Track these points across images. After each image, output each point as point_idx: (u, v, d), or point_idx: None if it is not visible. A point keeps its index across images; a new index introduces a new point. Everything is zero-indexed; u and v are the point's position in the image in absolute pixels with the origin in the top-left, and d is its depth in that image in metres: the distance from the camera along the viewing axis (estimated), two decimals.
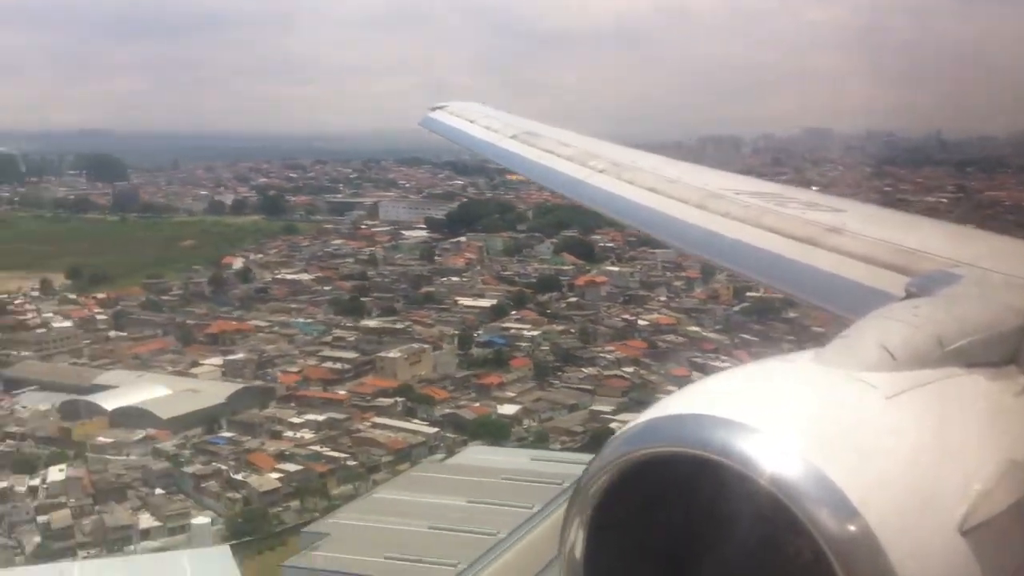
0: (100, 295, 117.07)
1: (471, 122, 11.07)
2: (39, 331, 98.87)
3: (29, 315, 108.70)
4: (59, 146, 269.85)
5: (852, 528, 2.38)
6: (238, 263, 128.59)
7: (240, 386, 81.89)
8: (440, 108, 12.04)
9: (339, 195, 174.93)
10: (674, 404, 2.75)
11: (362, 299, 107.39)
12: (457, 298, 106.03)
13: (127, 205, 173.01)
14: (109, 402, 77.87)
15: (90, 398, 78.88)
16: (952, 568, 2.49)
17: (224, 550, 47.31)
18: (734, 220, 6.28)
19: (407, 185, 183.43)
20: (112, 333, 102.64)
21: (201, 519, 58.18)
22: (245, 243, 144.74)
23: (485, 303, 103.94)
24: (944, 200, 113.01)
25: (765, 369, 3.02)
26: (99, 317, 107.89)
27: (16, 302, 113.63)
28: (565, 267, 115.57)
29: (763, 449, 2.49)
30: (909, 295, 3.90)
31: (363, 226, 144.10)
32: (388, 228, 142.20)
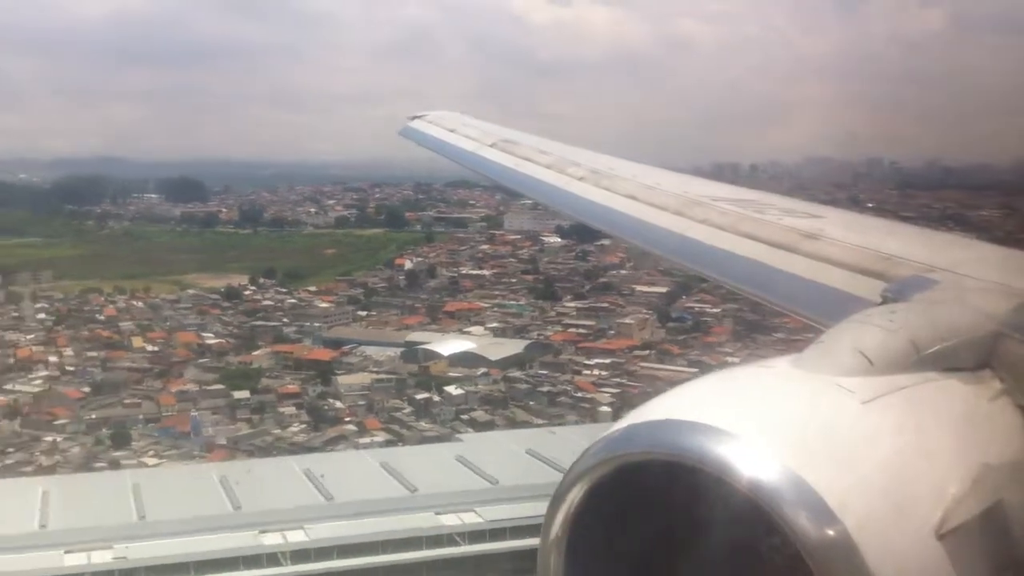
0: (311, 288, 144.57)
1: (451, 131, 11.57)
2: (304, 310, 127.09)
3: (265, 301, 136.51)
4: (81, 171, 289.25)
5: (830, 532, 2.47)
6: (408, 264, 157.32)
7: (528, 342, 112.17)
8: (419, 117, 12.58)
9: (430, 212, 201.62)
10: (652, 410, 2.85)
11: (555, 286, 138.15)
12: (634, 286, 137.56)
13: (255, 220, 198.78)
14: (442, 349, 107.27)
15: (425, 347, 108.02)
16: (929, 572, 2.57)
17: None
18: (712, 227, 6.51)
19: (475, 204, 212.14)
20: (362, 312, 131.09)
21: (605, 408, 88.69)
22: (385, 251, 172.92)
23: (660, 289, 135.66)
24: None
25: (743, 374, 3.16)
26: (323, 304, 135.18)
27: (245, 292, 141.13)
28: None
29: (741, 454, 2.59)
30: (885, 300, 4.08)
31: (497, 234, 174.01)
32: (520, 235, 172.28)
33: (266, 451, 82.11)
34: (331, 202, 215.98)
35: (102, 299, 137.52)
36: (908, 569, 2.54)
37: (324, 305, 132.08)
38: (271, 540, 60.38)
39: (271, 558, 58.78)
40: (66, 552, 56.67)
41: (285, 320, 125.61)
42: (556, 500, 2.86)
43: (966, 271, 4.51)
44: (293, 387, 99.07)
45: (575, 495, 2.81)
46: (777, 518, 2.49)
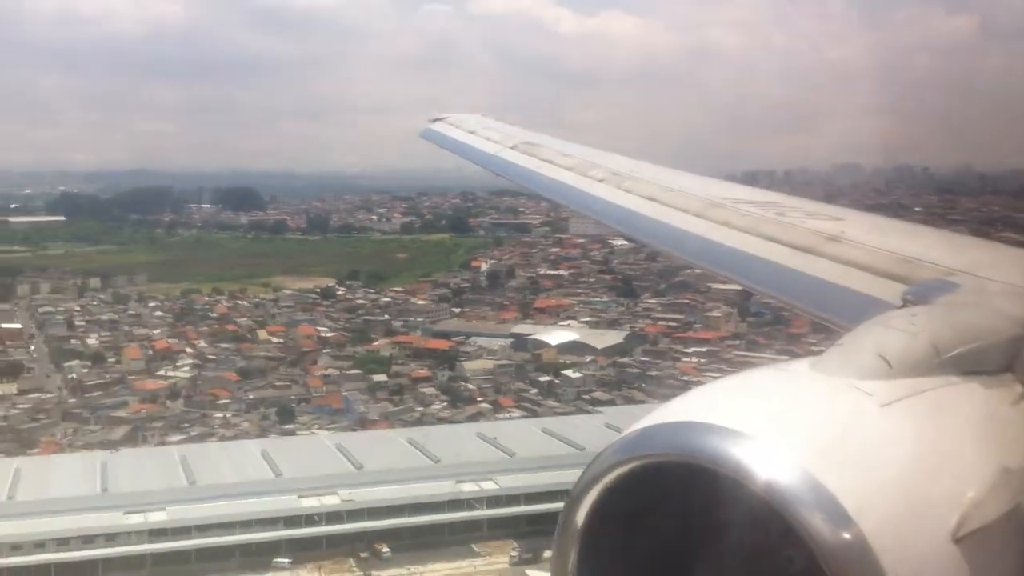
0: (397, 288, 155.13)
1: (471, 133, 11.79)
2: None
3: (359, 300, 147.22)
4: (117, 184, 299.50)
5: (846, 536, 2.48)
6: (483, 266, 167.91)
7: (626, 333, 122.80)
8: (440, 120, 12.84)
9: (486, 219, 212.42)
10: (669, 412, 2.88)
11: (632, 284, 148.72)
12: (710, 284, 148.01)
13: (322, 227, 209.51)
14: (549, 339, 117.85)
15: (533, 337, 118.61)
16: None
17: None
18: (733, 229, 6.57)
19: (525, 211, 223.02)
20: (456, 309, 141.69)
21: None
22: (456, 255, 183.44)
23: (735, 286, 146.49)
24: None
25: (761, 377, 3.16)
26: (420, 302, 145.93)
27: (338, 292, 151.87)
28: None
29: (758, 457, 2.60)
30: (906, 303, 4.09)
31: (564, 237, 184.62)
32: (587, 238, 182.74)
33: (421, 424, 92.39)
34: (382, 210, 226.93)
35: (205, 299, 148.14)
36: (925, 573, 2.56)
37: (421, 303, 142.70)
38: (467, 488, 71.43)
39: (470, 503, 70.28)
40: (299, 497, 67.99)
41: (387, 316, 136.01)
42: (573, 499, 2.89)
43: (987, 274, 4.54)
44: (423, 372, 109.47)
45: (592, 495, 2.85)
46: (793, 521, 2.52)
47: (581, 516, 2.85)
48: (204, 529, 66.67)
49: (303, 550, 67.56)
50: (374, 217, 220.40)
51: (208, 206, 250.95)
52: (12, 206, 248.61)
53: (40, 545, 63.81)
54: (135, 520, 66.21)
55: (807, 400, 2.92)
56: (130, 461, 75.52)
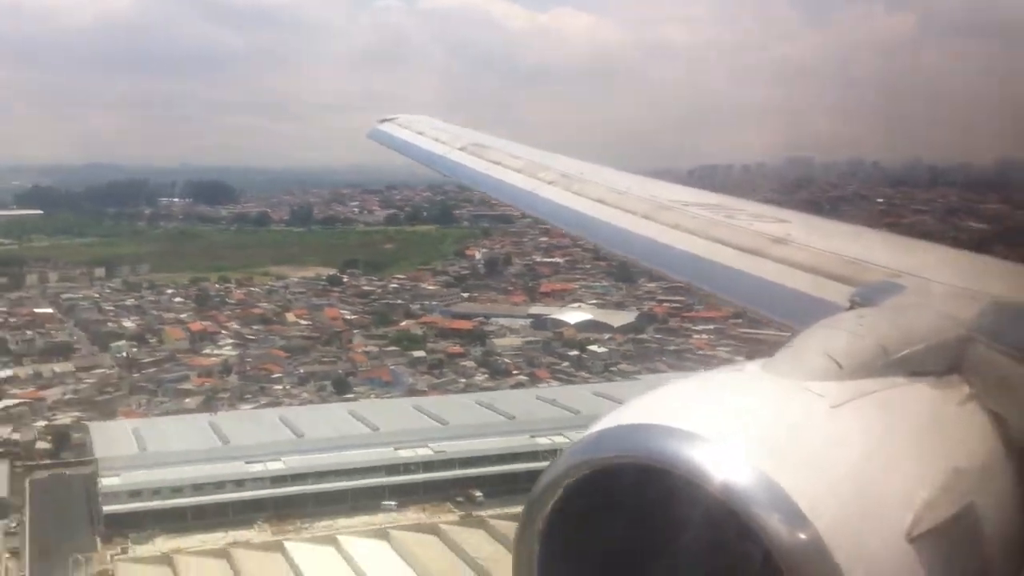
0: (399, 276, 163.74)
1: (420, 134, 11.92)
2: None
3: (366, 287, 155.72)
4: (71, 178, 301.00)
5: (801, 535, 2.55)
6: (477, 254, 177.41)
7: (636, 312, 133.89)
8: (389, 120, 12.95)
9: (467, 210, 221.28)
10: (624, 415, 2.98)
11: (629, 268, 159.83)
12: None
13: (306, 219, 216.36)
14: (566, 318, 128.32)
15: (552, 317, 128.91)
16: (900, 575, 2.67)
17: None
18: (683, 231, 6.73)
19: (498, 204, 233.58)
20: (464, 293, 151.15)
21: (729, 358, 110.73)
22: (444, 245, 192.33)
23: None
24: None
25: (714, 379, 3.29)
26: (430, 287, 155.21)
27: (344, 280, 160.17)
28: None
29: (713, 458, 2.68)
30: (854, 305, 4.25)
31: (551, 227, 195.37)
32: None
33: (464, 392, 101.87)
34: (354, 204, 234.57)
35: (216, 286, 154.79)
36: (879, 572, 2.63)
37: (430, 288, 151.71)
38: (542, 441, 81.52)
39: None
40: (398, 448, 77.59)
41: (401, 300, 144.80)
42: (533, 501, 2.98)
43: (933, 275, 4.64)
44: (456, 348, 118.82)
45: (552, 497, 2.93)
46: (749, 521, 2.57)
47: (542, 517, 2.96)
48: (319, 476, 75.43)
49: (405, 495, 76.60)
50: (355, 210, 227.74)
51: (179, 200, 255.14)
52: None
53: (177, 490, 71.91)
54: (256, 468, 74.66)
55: (760, 401, 3.03)
56: (233, 422, 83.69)
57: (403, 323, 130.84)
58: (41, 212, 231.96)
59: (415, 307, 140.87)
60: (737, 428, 2.82)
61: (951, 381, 3.49)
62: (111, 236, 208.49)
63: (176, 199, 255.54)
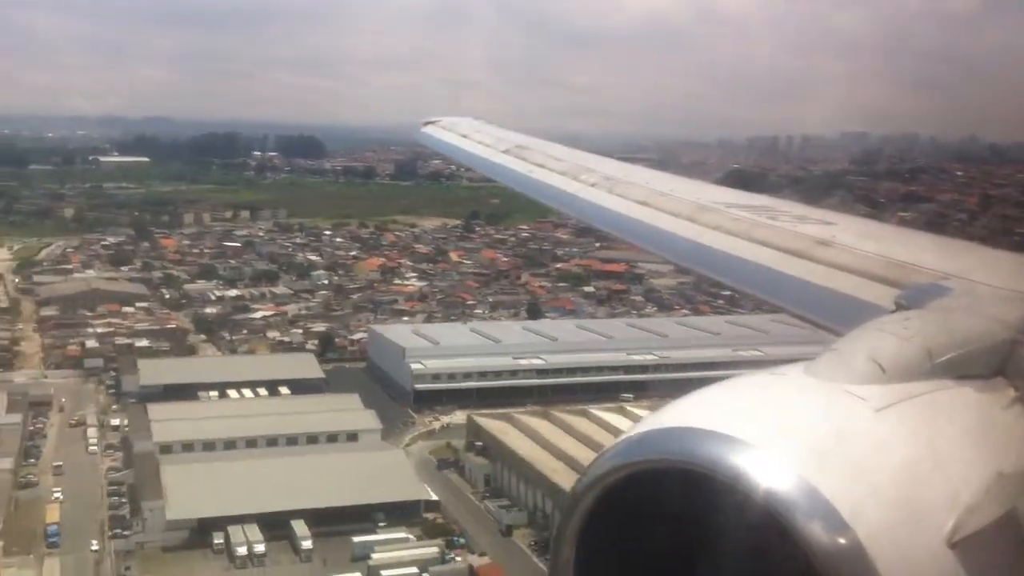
0: (522, 226, 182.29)
1: (464, 136, 12.43)
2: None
3: (498, 235, 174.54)
4: (129, 130, 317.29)
5: (842, 541, 2.60)
6: None
7: None
8: (433, 123, 13.50)
9: None
10: (665, 417, 3.00)
11: None
12: None
13: (412, 174, 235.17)
14: None
15: None
16: None
17: None
18: (725, 233, 6.89)
19: None
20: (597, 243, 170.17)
21: None
22: None
23: None
24: None
25: (756, 382, 3.28)
26: (563, 236, 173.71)
27: (476, 228, 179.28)
28: None
29: (754, 462, 2.72)
30: (899, 307, 4.29)
31: None
32: None
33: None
34: (436, 160, 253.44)
35: (361, 231, 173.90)
36: None
37: (564, 236, 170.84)
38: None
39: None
40: (629, 354, 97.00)
41: (545, 246, 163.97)
42: (572, 500, 3.03)
43: (979, 278, 4.67)
44: (619, 286, 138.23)
45: (591, 497, 2.98)
46: (789, 526, 2.62)
47: (579, 517, 3.01)
48: (572, 371, 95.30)
49: (637, 391, 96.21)
50: (452, 167, 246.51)
51: (272, 153, 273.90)
52: (70, 147, 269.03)
53: (468, 375, 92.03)
54: (524, 362, 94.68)
55: (802, 405, 3.05)
56: (491, 328, 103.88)
57: (559, 264, 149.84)
58: (148, 160, 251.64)
59: (560, 252, 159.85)
60: (779, 432, 2.86)
61: (996, 384, 3.54)
62: (225, 184, 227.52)
63: (270, 153, 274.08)
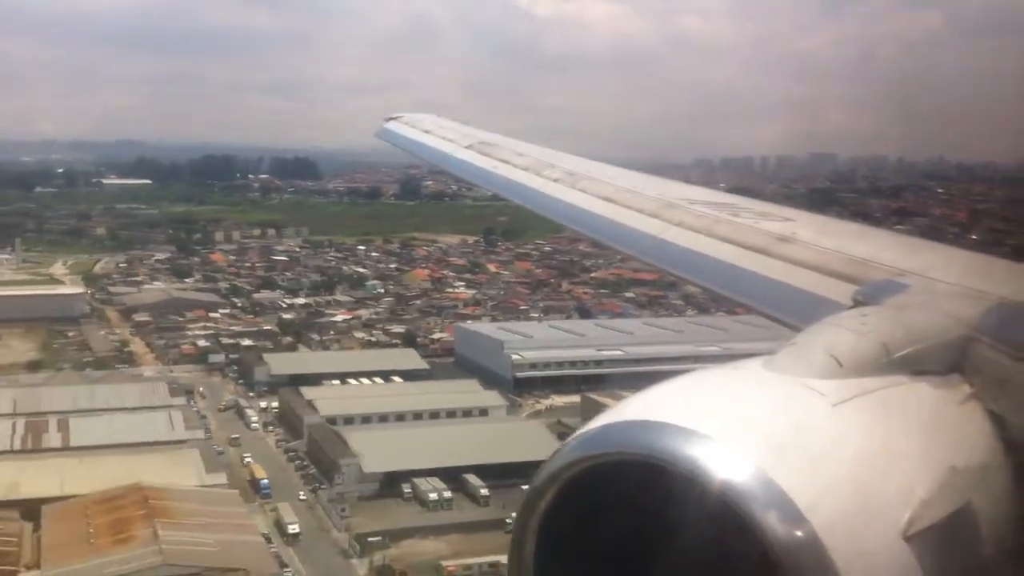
0: (539, 240, 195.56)
1: (426, 132, 12.48)
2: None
3: (519, 249, 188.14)
4: (102, 154, 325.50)
5: (798, 532, 2.68)
6: None
7: None
8: (395, 119, 13.53)
9: None
10: (625, 410, 3.09)
11: None
12: None
13: (415, 193, 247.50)
14: None
15: None
16: (896, 572, 2.80)
17: None
18: (688, 229, 7.03)
19: None
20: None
21: None
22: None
23: None
24: None
25: (715, 375, 3.40)
26: (586, 248, 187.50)
27: (498, 244, 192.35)
28: None
29: (712, 455, 2.80)
30: (856, 303, 4.35)
31: None
32: None
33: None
34: (429, 182, 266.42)
35: (387, 246, 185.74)
36: (876, 570, 2.76)
37: (586, 248, 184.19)
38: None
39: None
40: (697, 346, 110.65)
41: (572, 258, 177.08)
42: (531, 493, 3.09)
43: (936, 275, 4.80)
44: (656, 292, 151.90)
45: (551, 490, 3.05)
46: (747, 517, 2.70)
47: (540, 510, 3.08)
48: (649, 361, 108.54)
49: None
50: (454, 186, 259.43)
51: (264, 176, 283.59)
52: (60, 170, 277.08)
53: (559, 364, 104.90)
54: (607, 353, 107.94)
55: (761, 399, 3.14)
56: (572, 324, 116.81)
57: (594, 273, 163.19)
58: (150, 182, 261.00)
59: (587, 263, 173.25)
60: (737, 425, 2.94)
61: (952, 380, 3.63)
62: (232, 205, 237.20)
63: (264, 175, 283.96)
